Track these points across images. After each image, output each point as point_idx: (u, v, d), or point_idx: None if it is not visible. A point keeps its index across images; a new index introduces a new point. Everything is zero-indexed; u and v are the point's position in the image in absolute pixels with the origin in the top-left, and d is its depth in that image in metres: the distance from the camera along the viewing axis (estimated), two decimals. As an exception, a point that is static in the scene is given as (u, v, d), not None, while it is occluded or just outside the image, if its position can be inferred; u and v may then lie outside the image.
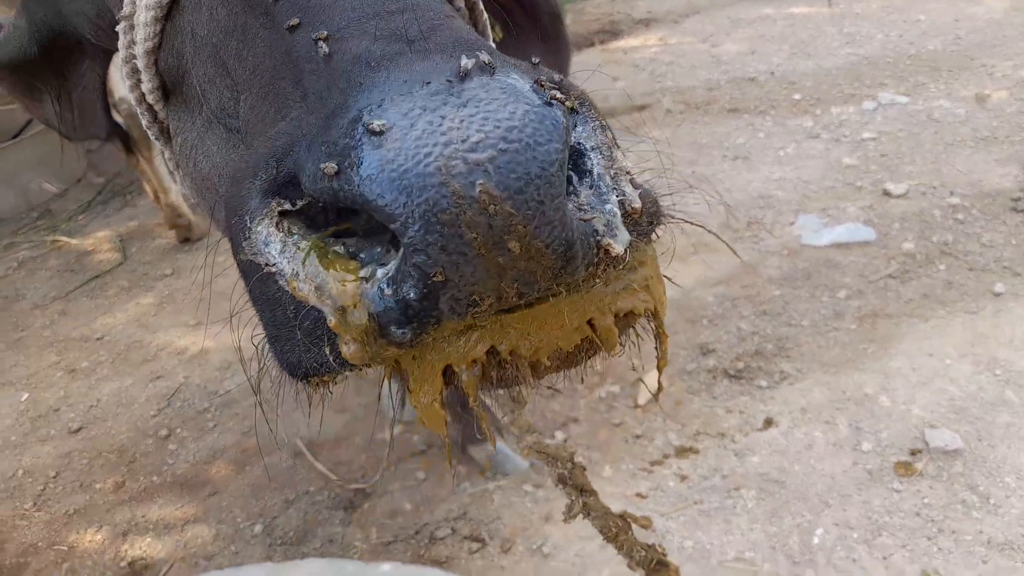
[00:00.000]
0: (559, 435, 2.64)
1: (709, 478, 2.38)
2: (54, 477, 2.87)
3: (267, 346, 0.70)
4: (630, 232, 0.64)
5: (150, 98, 1.02)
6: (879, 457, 2.36)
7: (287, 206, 0.62)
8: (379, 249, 0.60)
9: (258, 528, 2.48)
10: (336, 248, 0.60)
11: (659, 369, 0.89)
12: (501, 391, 0.81)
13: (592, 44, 6.39)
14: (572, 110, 0.64)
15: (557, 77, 0.65)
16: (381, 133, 0.55)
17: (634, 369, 2.76)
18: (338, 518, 2.47)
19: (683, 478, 2.39)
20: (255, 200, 0.63)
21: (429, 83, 0.58)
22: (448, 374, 0.70)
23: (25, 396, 3.40)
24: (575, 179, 0.63)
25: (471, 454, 2.58)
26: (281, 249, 0.61)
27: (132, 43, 0.97)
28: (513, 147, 0.55)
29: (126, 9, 0.95)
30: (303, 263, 0.60)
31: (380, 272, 0.58)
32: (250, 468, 2.74)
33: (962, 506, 2.17)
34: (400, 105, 0.56)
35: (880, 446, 2.40)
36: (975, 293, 3.02)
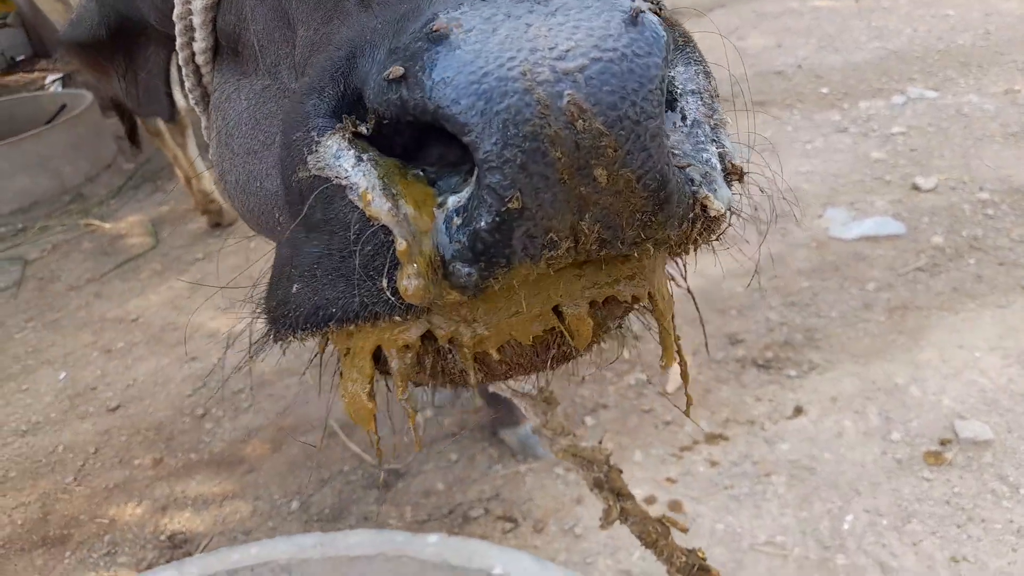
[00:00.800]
0: (589, 420, 2.68)
1: (739, 464, 2.41)
2: (94, 453, 2.94)
3: (295, 284, 0.60)
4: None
5: (200, 59, 0.98)
6: (909, 447, 2.38)
7: (360, 128, 0.55)
8: (455, 179, 0.54)
9: (295, 505, 2.54)
10: (415, 171, 0.54)
11: (683, 376, 0.83)
12: (443, 386, 0.70)
13: (618, 36, 6.40)
14: (675, 46, 0.57)
15: (661, 2, 0.57)
16: (458, 36, 0.48)
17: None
18: (372, 497, 2.53)
19: (713, 464, 2.42)
20: (322, 118, 0.56)
21: None
22: (381, 359, 0.64)
23: (63, 375, 3.48)
24: (669, 121, 0.56)
25: (502, 437, 2.62)
26: (355, 164, 0.54)
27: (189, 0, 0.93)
28: (607, 57, 0.48)
29: None
30: (381, 178, 0.53)
31: (452, 200, 0.52)
32: (285, 447, 2.79)
33: (992, 495, 2.19)
34: (481, 10, 0.49)
35: (910, 436, 2.42)
36: (1005, 287, 3.02)
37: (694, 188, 0.55)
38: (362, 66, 0.54)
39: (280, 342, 0.68)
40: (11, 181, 5.26)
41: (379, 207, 0.52)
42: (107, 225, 4.92)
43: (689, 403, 0.83)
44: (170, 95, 1.53)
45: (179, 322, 3.73)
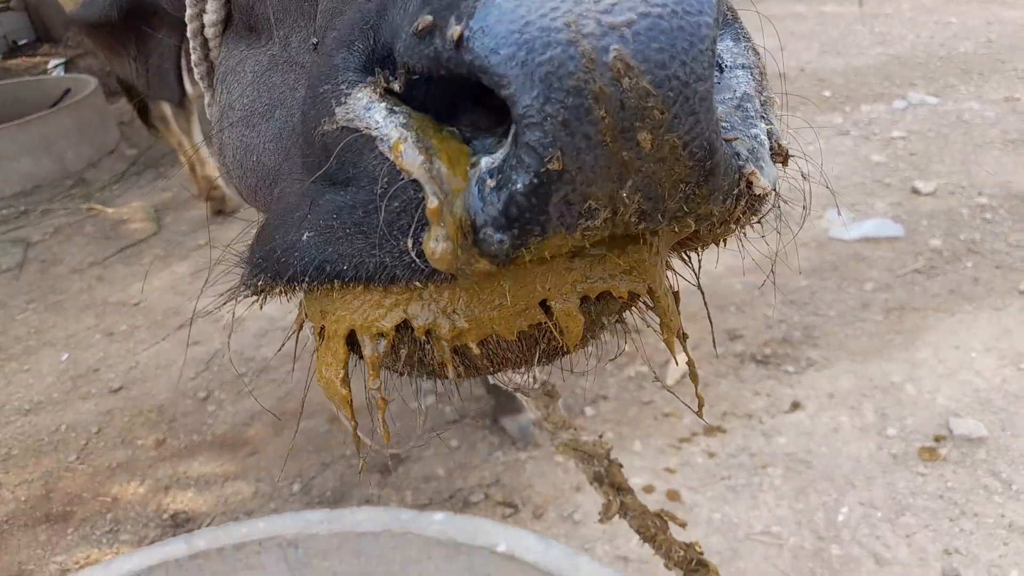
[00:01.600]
0: (589, 411, 2.71)
1: (737, 456, 2.44)
2: (96, 433, 2.96)
3: (308, 232, 0.56)
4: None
5: (210, 31, 0.95)
6: (904, 442, 2.42)
7: (393, 84, 0.52)
8: (489, 141, 0.50)
9: (296, 487, 2.57)
10: (450, 129, 0.51)
11: (692, 377, 0.79)
12: (422, 377, 0.65)
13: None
14: (724, 20, 0.54)
15: None
16: None
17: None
18: (374, 480, 2.55)
19: (711, 455, 2.46)
20: (352, 71, 0.53)
21: None
22: (356, 344, 0.60)
23: (65, 356, 3.49)
24: (718, 91, 0.53)
25: (503, 425, 2.65)
26: (386, 115, 0.50)
27: None
28: (657, 12, 0.44)
29: None
30: (415, 130, 0.50)
31: (485, 161, 0.48)
32: (287, 431, 2.82)
33: (984, 491, 2.23)
34: None
35: (905, 432, 2.46)
36: (1001, 290, 3.06)
37: (740, 163, 0.51)
38: (392, 17, 0.51)
39: (258, 293, 0.64)
40: (15, 163, 5.27)
41: (412, 159, 0.49)
42: (109, 210, 4.93)
43: (700, 404, 0.78)
44: (180, 79, 1.54)
45: (181, 307, 3.75)
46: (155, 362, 3.34)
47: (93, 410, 3.10)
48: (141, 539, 2.45)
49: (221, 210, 4.58)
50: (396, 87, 0.52)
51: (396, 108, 0.51)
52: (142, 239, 4.49)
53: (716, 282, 3.26)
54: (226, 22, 0.95)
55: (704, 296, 0.85)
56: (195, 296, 3.80)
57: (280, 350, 2.03)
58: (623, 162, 0.45)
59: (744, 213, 0.54)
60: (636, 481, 2.37)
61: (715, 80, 0.51)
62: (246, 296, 0.66)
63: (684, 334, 0.72)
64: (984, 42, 5.48)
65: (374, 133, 0.50)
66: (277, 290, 0.61)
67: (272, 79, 0.76)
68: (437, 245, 0.49)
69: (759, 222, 0.60)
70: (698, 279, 0.79)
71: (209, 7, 0.92)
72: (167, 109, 4.32)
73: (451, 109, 0.53)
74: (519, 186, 0.45)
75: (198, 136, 4.47)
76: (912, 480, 2.29)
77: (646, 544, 2.09)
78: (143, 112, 5.01)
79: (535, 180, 0.45)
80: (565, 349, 0.61)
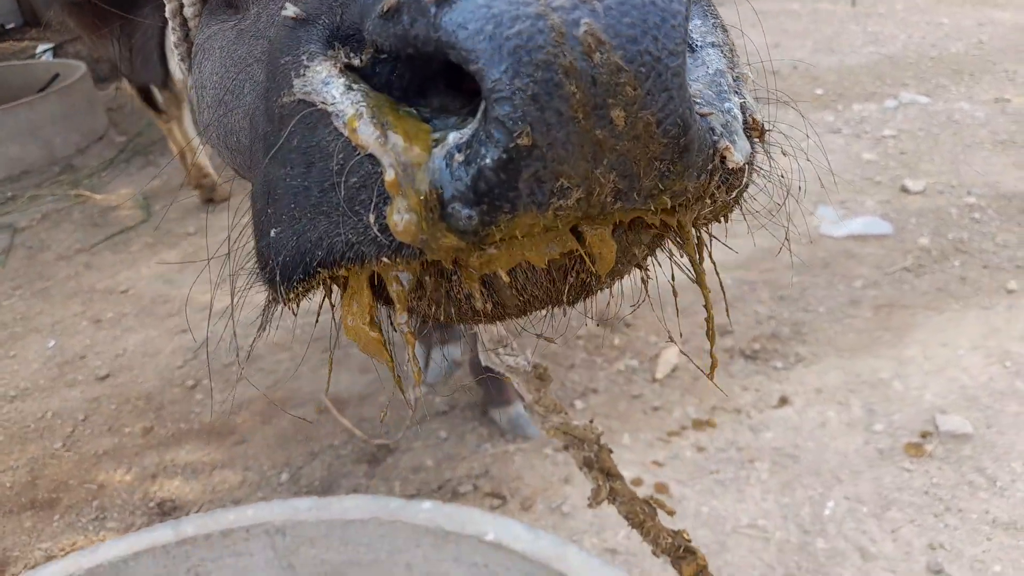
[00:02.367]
0: (578, 404, 2.71)
1: (725, 450, 2.45)
2: (83, 420, 2.94)
3: (274, 228, 0.56)
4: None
5: (189, 10, 0.94)
6: (890, 438, 2.44)
7: (354, 60, 0.51)
8: (453, 119, 0.50)
9: (284, 476, 2.56)
10: (408, 109, 0.50)
11: (708, 329, 0.76)
12: (447, 323, 0.63)
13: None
14: None
15: None
16: None
17: (677, 342, 2.83)
18: (362, 471, 2.55)
19: (700, 449, 2.47)
20: (313, 44, 0.52)
21: None
22: (378, 289, 0.59)
23: (52, 343, 3.47)
24: (691, 67, 0.53)
25: (493, 416, 2.65)
26: (344, 91, 0.50)
27: None
28: None
29: None
30: (370, 107, 0.49)
31: (452, 137, 0.47)
32: (275, 420, 2.81)
33: (969, 487, 2.25)
34: None
35: (892, 427, 2.47)
36: (989, 289, 3.09)
37: (715, 138, 0.51)
38: None
39: (287, 302, 0.63)
40: (2, 149, 5.22)
41: (366, 134, 0.48)
42: (98, 196, 4.89)
43: (714, 365, 0.76)
44: (164, 61, 1.52)
45: (169, 295, 3.72)
46: (143, 350, 3.32)
47: (79, 397, 3.08)
48: (127, 526, 2.44)
49: (211, 198, 4.55)
50: (356, 62, 0.51)
51: (354, 85, 0.50)
52: (131, 226, 4.46)
53: (707, 277, 3.26)
54: (204, 1, 0.92)
55: (721, 281, 0.82)
56: (184, 284, 3.78)
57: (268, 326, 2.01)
58: (597, 140, 0.45)
59: (719, 188, 0.53)
60: (625, 474, 2.36)
61: (687, 58, 0.51)
62: (277, 306, 0.65)
63: (703, 276, 0.69)
64: (975, 43, 5.51)
65: (330, 108, 0.50)
66: (293, 295, 0.60)
67: (238, 52, 0.74)
68: (400, 217, 0.48)
69: (735, 199, 0.58)
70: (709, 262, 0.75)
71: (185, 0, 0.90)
72: (157, 95, 4.29)
73: (420, 90, 0.52)
74: (488, 161, 0.45)
75: (188, 123, 4.44)
76: (898, 475, 2.31)
77: (634, 531, 2.10)
78: (148, 98, 4.95)
79: (504, 155, 0.44)
80: (596, 282, 0.60)
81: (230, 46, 0.74)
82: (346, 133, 0.49)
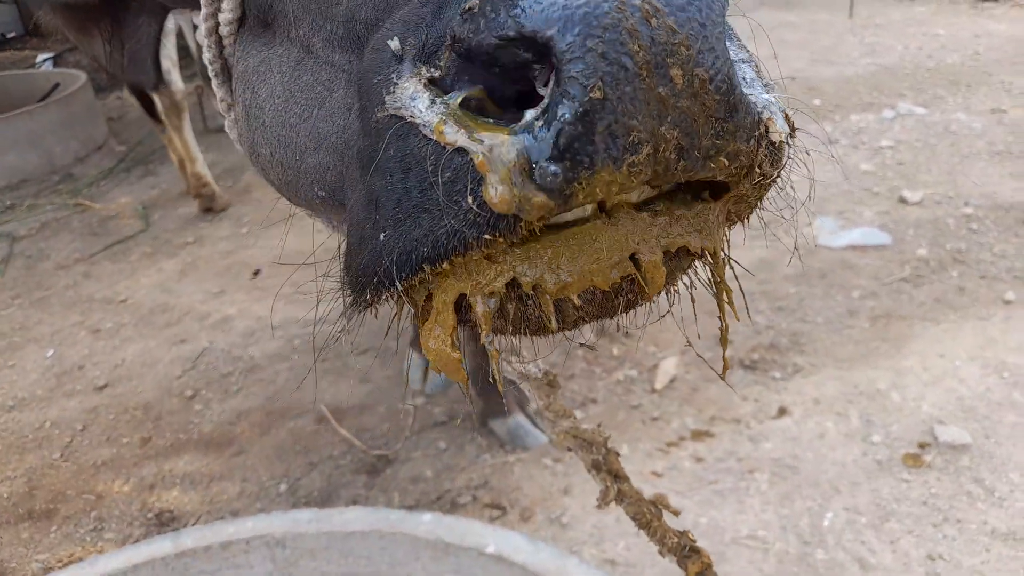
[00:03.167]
0: (578, 415, 2.70)
1: (724, 460, 2.45)
2: (81, 430, 2.94)
3: (382, 232, 0.62)
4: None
5: (225, 29, 0.98)
6: (888, 448, 2.44)
7: (434, 73, 0.59)
8: (517, 114, 0.57)
9: (283, 487, 2.55)
10: (484, 119, 0.58)
11: (722, 336, 0.83)
12: (520, 335, 0.70)
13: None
14: None
15: None
16: None
17: (693, 344, 2.83)
18: (361, 482, 2.55)
19: (699, 460, 2.47)
20: (403, 63, 0.60)
21: None
22: (462, 310, 0.65)
23: (50, 352, 3.47)
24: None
25: (492, 427, 2.65)
26: (428, 105, 0.58)
27: None
28: None
29: None
30: (452, 115, 0.57)
31: (529, 113, 0.54)
32: (274, 431, 2.81)
33: (967, 497, 2.25)
34: None
35: (890, 438, 2.48)
36: (986, 300, 3.10)
37: (759, 109, 0.59)
38: (448, 15, 0.58)
39: (371, 305, 0.69)
40: (1, 158, 5.23)
41: (452, 134, 0.55)
42: (97, 206, 4.89)
43: (725, 367, 0.84)
44: (158, 64, 1.52)
45: (168, 304, 3.73)
46: (141, 360, 3.32)
47: (78, 407, 3.08)
48: (125, 537, 2.43)
49: (210, 208, 4.56)
50: (436, 74, 0.59)
51: (437, 99, 0.57)
52: (130, 236, 4.46)
53: (706, 288, 3.27)
54: (240, 21, 0.97)
55: (741, 287, 0.88)
56: (183, 294, 3.78)
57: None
58: (660, 98, 0.52)
59: (764, 160, 0.61)
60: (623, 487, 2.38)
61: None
62: (361, 311, 0.71)
63: (730, 292, 0.80)
64: (971, 54, 5.54)
65: (418, 120, 0.57)
66: (385, 296, 0.66)
67: (303, 79, 0.81)
68: (495, 190, 0.54)
69: (777, 176, 0.66)
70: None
71: (225, 6, 0.94)
72: (159, 104, 4.30)
73: (484, 105, 0.59)
74: (567, 115, 0.50)
75: (189, 133, 4.45)
76: (896, 486, 2.31)
77: (634, 543, 2.10)
78: (150, 110, 4.97)
79: (580, 109, 0.50)
80: (641, 299, 0.69)
81: (292, 72, 0.83)
82: (434, 137, 0.56)
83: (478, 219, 0.56)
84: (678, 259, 0.67)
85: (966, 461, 2.37)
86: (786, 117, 0.64)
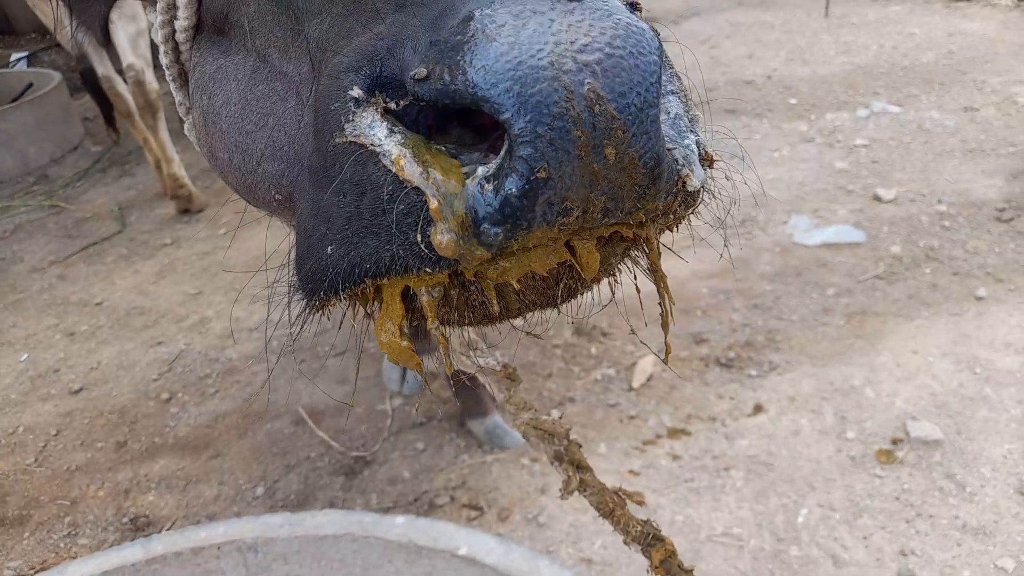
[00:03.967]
0: (555, 413, 2.71)
1: (700, 458, 2.47)
2: (55, 435, 2.91)
3: (330, 245, 0.66)
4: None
5: (181, 36, 0.99)
6: (862, 445, 2.47)
7: (391, 104, 0.63)
8: (477, 155, 0.61)
9: (259, 490, 2.54)
10: (439, 147, 0.62)
11: (663, 321, 0.86)
12: (466, 324, 0.75)
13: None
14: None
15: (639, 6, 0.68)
16: (494, 30, 0.56)
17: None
18: (339, 484, 2.54)
19: (675, 457, 2.48)
20: (360, 90, 0.63)
21: None
22: (408, 301, 0.70)
23: (24, 356, 3.43)
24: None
25: (469, 428, 2.65)
26: (387, 134, 0.61)
27: None
28: (618, 53, 0.57)
29: None
30: (410, 148, 0.61)
31: (481, 170, 0.59)
32: (251, 433, 2.79)
33: (939, 493, 2.28)
34: (510, 7, 0.57)
35: (864, 435, 2.50)
36: (959, 296, 3.13)
37: (678, 167, 0.64)
38: (402, 54, 0.61)
39: (321, 309, 0.73)
40: (-27, 159, 5.16)
41: (411, 171, 0.60)
42: (72, 207, 4.84)
43: (667, 351, 0.88)
44: (106, 21, 1.49)
45: (145, 307, 3.69)
46: (117, 363, 3.29)
47: (52, 411, 3.04)
48: (100, 543, 2.41)
49: (187, 208, 4.53)
50: (393, 106, 0.63)
51: (394, 128, 0.62)
52: (106, 237, 4.42)
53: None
54: (196, 28, 0.98)
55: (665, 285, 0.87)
56: (159, 296, 3.75)
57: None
58: (594, 171, 0.58)
59: (680, 206, 0.67)
60: (601, 483, 2.39)
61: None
62: (312, 314, 0.75)
63: (664, 278, 0.82)
64: (945, 53, 5.61)
65: (377, 148, 0.61)
66: (331, 302, 0.71)
67: (258, 89, 0.84)
68: (443, 237, 0.60)
69: (691, 214, 0.71)
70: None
71: (181, 13, 0.96)
72: (132, 105, 4.26)
73: (441, 127, 0.64)
74: (513, 190, 0.57)
75: (165, 133, 4.41)
76: (870, 482, 2.33)
77: (610, 542, 2.10)
78: (109, 117, 4.93)
79: (527, 185, 0.56)
80: (580, 287, 0.74)
81: (247, 80, 0.86)
82: (393, 170, 0.60)
83: (421, 253, 0.61)
84: (612, 245, 0.71)
85: (938, 457, 2.40)
86: (705, 155, 0.69)
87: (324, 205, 0.66)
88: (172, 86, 1.10)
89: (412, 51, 0.60)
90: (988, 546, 2.12)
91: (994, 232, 3.52)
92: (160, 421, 2.91)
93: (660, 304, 0.84)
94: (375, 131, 0.61)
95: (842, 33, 6.21)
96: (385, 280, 0.65)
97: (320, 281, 0.67)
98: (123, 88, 4.22)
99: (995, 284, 3.17)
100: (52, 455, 2.81)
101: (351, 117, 0.62)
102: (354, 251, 0.64)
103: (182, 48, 1.01)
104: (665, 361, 0.92)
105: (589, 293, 0.80)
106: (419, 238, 0.61)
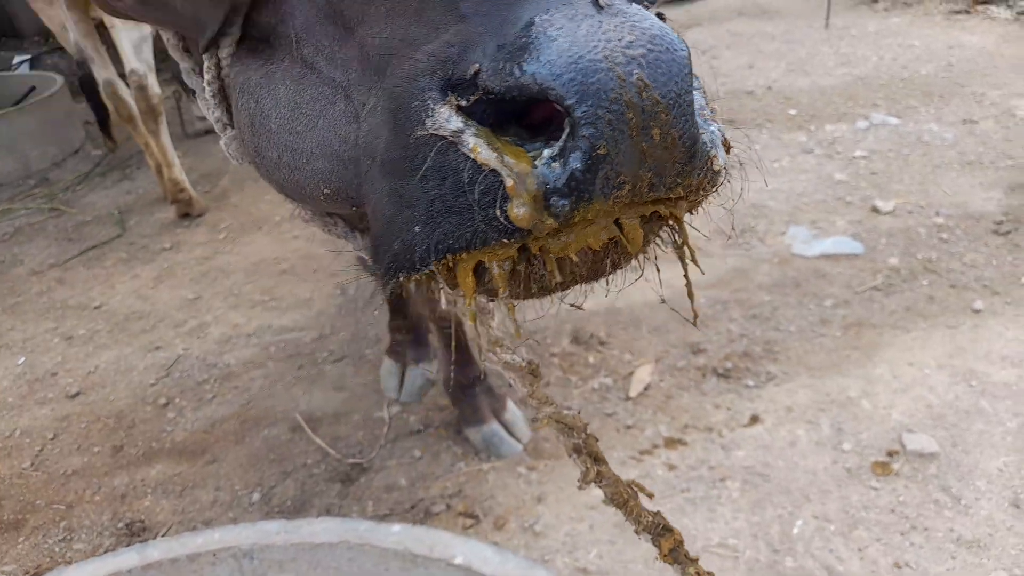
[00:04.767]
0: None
1: (696, 468, 2.47)
2: (52, 439, 2.91)
3: (416, 226, 0.75)
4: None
5: (224, 51, 1.02)
6: (858, 456, 2.47)
7: (461, 102, 0.71)
8: (538, 144, 0.70)
9: (256, 496, 2.54)
10: (504, 138, 0.71)
11: (685, 273, 0.96)
12: (528, 296, 0.85)
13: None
14: None
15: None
16: (554, 32, 0.66)
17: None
18: (335, 490, 2.54)
19: (671, 467, 2.48)
20: (435, 92, 0.72)
21: (575, 3, 0.69)
22: (479, 273, 0.78)
23: (22, 359, 3.43)
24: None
25: (467, 435, 2.66)
26: (462, 127, 0.70)
27: None
28: (659, 48, 0.67)
29: None
30: (483, 137, 0.70)
31: (547, 151, 0.68)
32: (248, 439, 2.79)
33: (935, 505, 2.28)
34: (564, 11, 0.67)
35: (860, 446, 2.51)
36: (956, 309, 3.14)
37: (707, 148, 0.74)
38: (472, 57, 0.70)
39: (402, 285, 0.82)
40: (-26, 162, 5.17)
41: (487, 156, 0.69)
42: (73, 211, 4.85)
43: (696, 315, 0.98)
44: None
45: (143, 311, 3.70)
46: (115, 367, 3.29)
47: (49, 415, 3.05)
48: (96, 548, 2.41)
49: (187, 213, 4.54)
50: (463, 103, 0.71)
51: (467, 122, 0.70)
52: (105, 241, 4.43)
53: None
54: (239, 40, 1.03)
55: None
56: (158, 300, 3.75)
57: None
58: (643, 149, 0.67)
59: (707, 183, 0.76)
60: (597, 492, 2.39)
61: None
62: (390, 290, 0.84)
63: (693, 250, 0.91)
64: (945, 65, 5.62)
65: (455, 139, 0.70)
66: (412, 278, 0.80)
67: (307, 93, 0.92)
68: (519, 211, 0.69)
69: (715, 191, 0.80)
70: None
71: (223, 43, 1.01)
72: (134, 109, 4.28)
73: (499, 123, 0.72)
74: (578, 165, 0.66)
75: (166, 138, 4.42)
76: (865, 494, 2.34)
77: (606, 552, 2.11)
78: (104, 124, 4.94)
79: (589, 161, 0.65)
80: (623, 260, 0.83)
81: (295, 86, 0.94)
82: (472, 156, 0.69)
83: (500, 226, 0.71)
84: (651, 223, 0.81)
85: (934, 469, 2.40)
86: (724, 142, 0.78)
87: (408, 191, 0.75)
88: (212, 102, 1.12)
89: (482, 54, 0.69)
90: (982, 559, 2.13)
91: (991, 245, 3.53)
92: (157, 426, 2.91)
93: (684, 278, 0.96)
94: (452, 124, 0.70)
95: (842, 44, 6.24)
96: (465, 254, 0.74)
97: (406, 258, 0.76)
98: (126, 92, 4.23)
99: (992, 297, 3.18)
100: (48, 459, 2.81)
101: (431, 113, 0.71)
102: (439, 228, 0.73)
103: (224, 64, 1.05)
104: (695, 324, 1.06)
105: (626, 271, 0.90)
106: (498, 212, 0.69)
